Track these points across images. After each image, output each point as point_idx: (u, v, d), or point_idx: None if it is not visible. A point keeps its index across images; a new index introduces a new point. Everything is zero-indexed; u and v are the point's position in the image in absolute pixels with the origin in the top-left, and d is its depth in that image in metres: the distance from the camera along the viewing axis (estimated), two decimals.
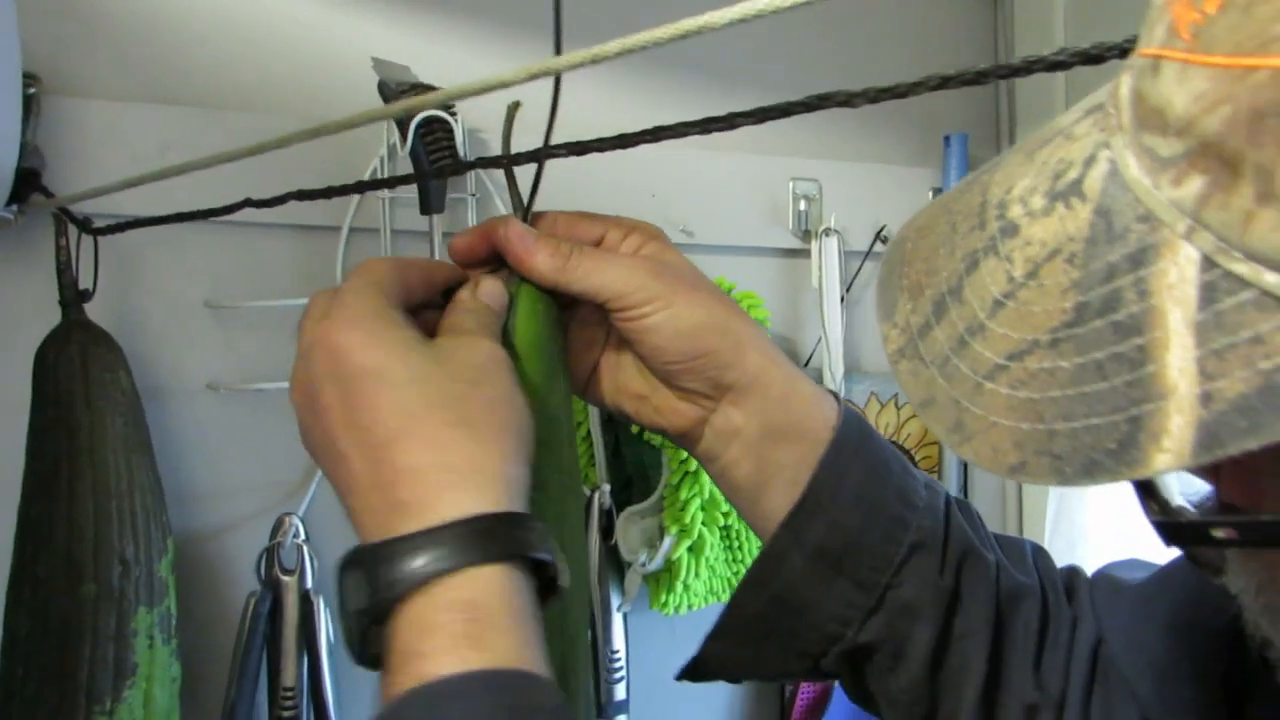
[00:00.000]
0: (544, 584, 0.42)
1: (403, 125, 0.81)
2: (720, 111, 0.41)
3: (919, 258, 0.34)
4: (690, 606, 0.89)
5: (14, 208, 0.74)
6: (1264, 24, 0.23)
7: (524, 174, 0.52)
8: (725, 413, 0.50)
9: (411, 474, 0.40)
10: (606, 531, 0.88)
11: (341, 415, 0.42)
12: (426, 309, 0.49)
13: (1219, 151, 0.25)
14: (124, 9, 0.81)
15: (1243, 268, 0.24)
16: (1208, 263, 0.25)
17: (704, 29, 0.37)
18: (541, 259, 0.48)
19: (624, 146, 0.41)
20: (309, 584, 0.82)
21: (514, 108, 0.50)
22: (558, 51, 0.39)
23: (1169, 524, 0.30)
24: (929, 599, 0.49)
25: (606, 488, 0.87)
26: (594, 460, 0.89)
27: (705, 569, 0.87)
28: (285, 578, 0.81)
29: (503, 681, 0.36)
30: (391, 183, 0.55)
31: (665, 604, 0.88)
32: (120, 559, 0.64)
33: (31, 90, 0.75)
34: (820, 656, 0.51)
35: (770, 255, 1.05)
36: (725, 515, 0.88)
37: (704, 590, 0.89)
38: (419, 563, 0.38)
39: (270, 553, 0.81)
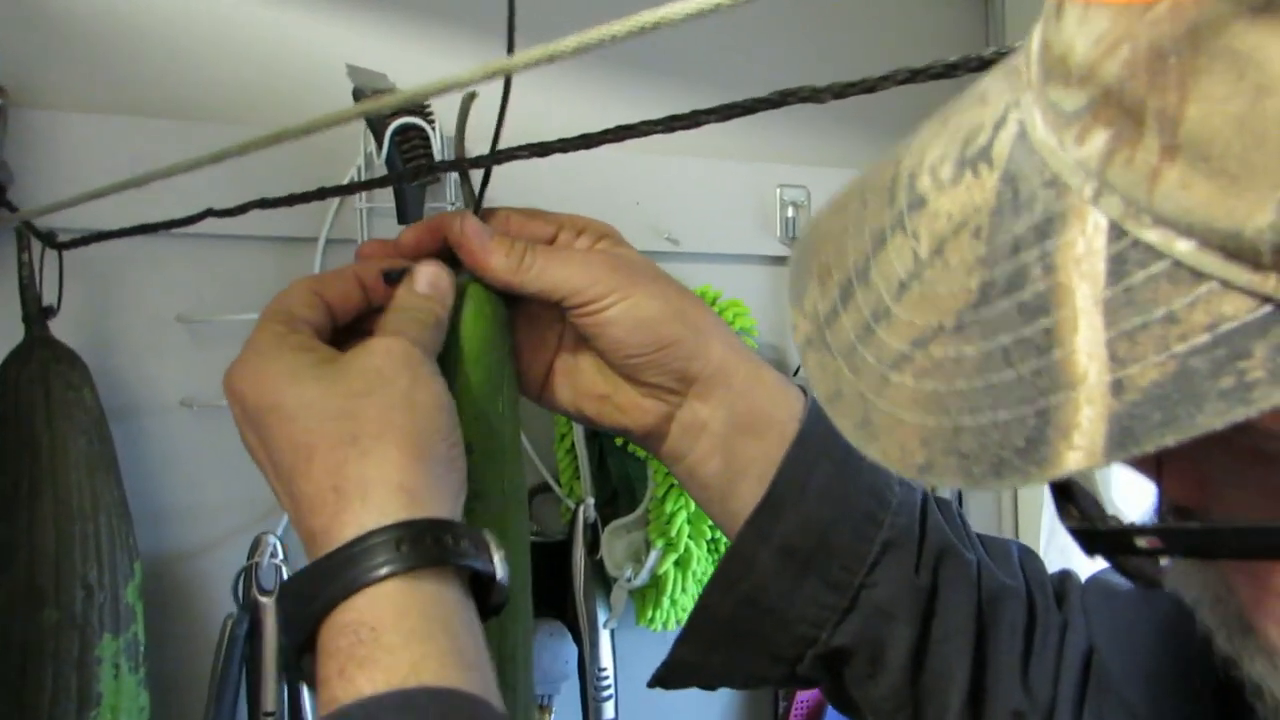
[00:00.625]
0: (486, 585, 0.42)
1: (379, 134, 0.80)
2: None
3: (830, 237, 0.31)
4: (678, 622, 0.87)
5: None
6: None
7: (506, 176, 0.51)
8: (691, 407, 0.49)
9: (311, 502, 0.41)
10: (592, 546, 0.86)
11: (263, 455, 0.44)
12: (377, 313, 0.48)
13: (1120, 99, 0.22)
14: (93, 19, 0.79)
15: (1152, 234, 0.21)
16: (1116, 230, 0.22)
17: (661, 22, 0.36)
18: (497, 259, 0.47)
19: (587, 147, 0.40)
20: None
21: (469, 99, 0.49)
22: (510, 50, 0.37)
23: (1086, 531, 0.28)
24: (905, 599, 0.48)
25: (591, 501, 0.85)
26: (579, 474, 0.87)
27: (692, 583, 0.85)
28: (263, 599, 0.79)
29: (411, 701, 0.36)
30: (357, 188, 0.53)
31: (652, 620, 0.86)
32: (83, 584, 0.62)
33: None
34: (796, 661, 0.49)
35: (757, 263, 1.03)
36: (711, 529, 0.86)
37: (691, 604, 0.87)
38: (315, 593, 0.39)
39: (248, 573, 0.79)
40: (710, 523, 0.85)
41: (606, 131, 0.39)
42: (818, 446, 0.47)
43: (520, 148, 0.42)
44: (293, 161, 0.70)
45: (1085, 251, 0.23)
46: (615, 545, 0.85)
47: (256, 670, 0.79)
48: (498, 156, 0.43)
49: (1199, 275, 0.21)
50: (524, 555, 0.51)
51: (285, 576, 0.79)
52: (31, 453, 0.63)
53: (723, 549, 0.89)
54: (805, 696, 1.01)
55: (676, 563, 0.83)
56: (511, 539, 0.49)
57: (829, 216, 0.33)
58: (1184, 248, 0.21)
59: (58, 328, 0.70)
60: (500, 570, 0.41)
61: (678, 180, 0.96)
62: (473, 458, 0.48)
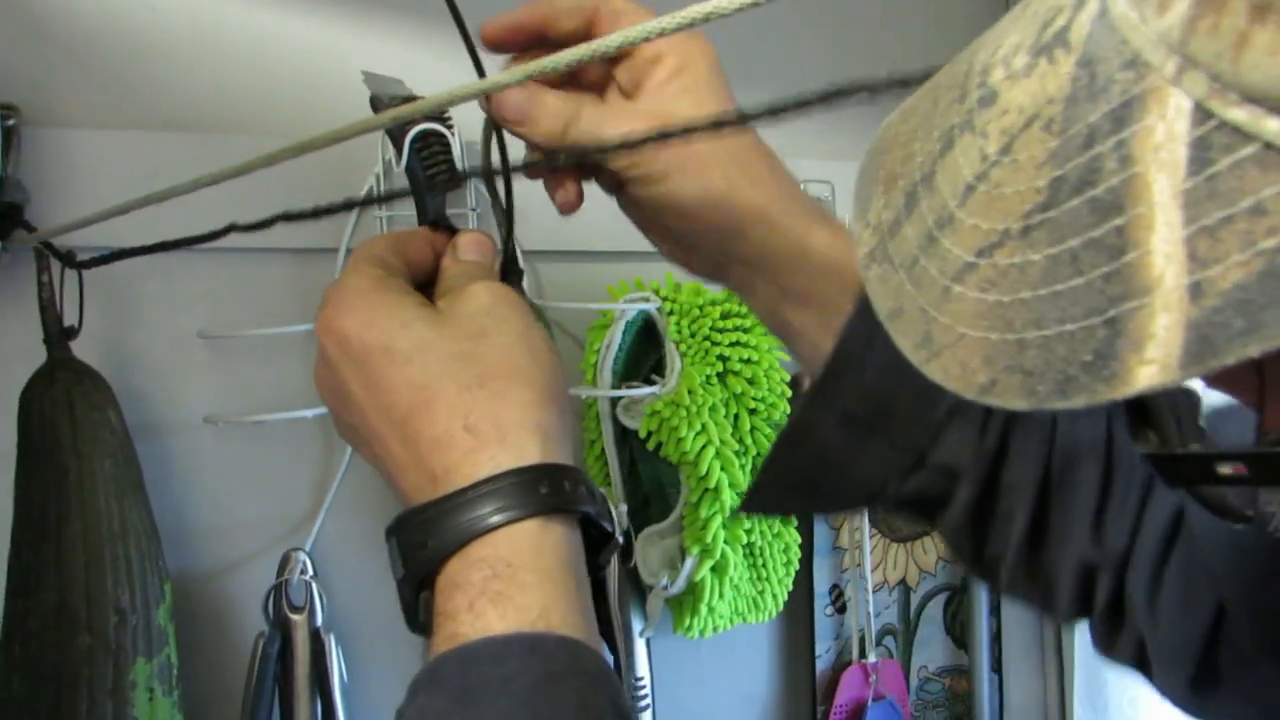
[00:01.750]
0: (599, 535, 0.42)
1: (398, 141, 0.78)
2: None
3: (898, 143, 0.29)
4: (715, 629, 0.86)
5: None
6: None
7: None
8: (737, 271, 0.50)
9: (438, 443, 0.40)
10: (625, 553, 0.84)
11: (367, 398, 0.42)
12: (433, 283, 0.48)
13: None
14: (104, 35, 0.78)
15: (1240, 113, 0.19)
16: (1200, 113, 0.20)
17: (711, 16, 0.34)
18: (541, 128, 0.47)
19: (629, 147, 0.38)
20: (319, 621, 0.78)
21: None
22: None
23: (1165, 457, 0.25)
24: (969, 461, 0.47)
25: (624, 508, 0.84)
26: (609, 479, 0.86)
27: (729, 589, 0.84)
28: (294, 616, 0.78)
29: (540, 645, 0.35)
30: (383, 199, 0.52)
31: (690, 628, 0.84)
32: (115, 608, 0.60)
33: (10, 122, 0.72)
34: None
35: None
36: (748, 533, 0.85)
37: (729, 611, 0.85)
38: (447, 527, 0.38)
39: (277, 590, 0.78)
40: (745, 526, 0.84)
41: (648, 136, 0.38)
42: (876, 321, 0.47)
43: (554, 154, 0.40)
44: (310, 170, 0.69)
45: (1165, 138, 0.20)
46: (650, 552, 0.83)
47: (289, 687, 0.78)
48: (550, 158, 0.42)
49: None
50: None
51: (316, 593, 0.78)
52: (58, 477, 0.62)
53: (759, 553, 0.87)
54: (844, 701, 1.00)
55: (713, 569, 0.81)
56: None
57: (898, 121, 0.30)
58: (1276, 126, 0.19)
59: (77, 347, 0.69)
60: (617, 528, 0.41)
61: None
62: None
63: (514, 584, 0.37)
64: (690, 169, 0.46)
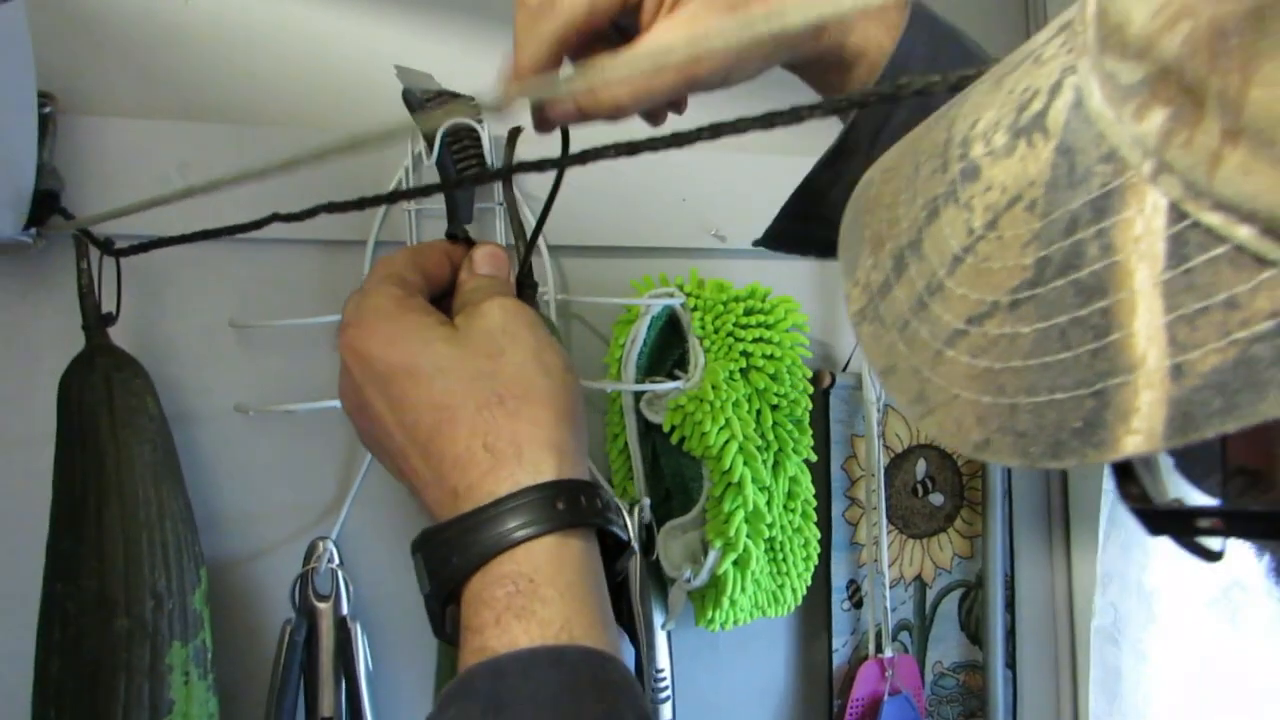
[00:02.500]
0: (616, 546, 0.43)
1: (429, 135, 0.79)
2: (743, 111, 0.39)
3: (882, 204, 0.31)
4: (736, 622, 0.86)
5: (33, 231, 0.72)
6: None
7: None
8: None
9: (459, 461, 0.42)
10: (647, 547, 0.85)
11: (391, 416, 0.44)
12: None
13: (1180, 78, 0.21)
14: (138, 25, 0.79)
15: (1214, 218, 0.21)
16: (1176, 212, 0.21)
17: (781, 28, 0.35)
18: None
19: (678, 145, 0.39)
20: (345, 609, 0.79)
21: (515, 133, 0.49)
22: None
23: (1147, 511, 0.27)
24: None
25: (646, 502, 0.84)
26: (632, 474, 0.87)
27: (751, 583, 0.84)
28: (320, 604, 0.79)
29: (564, 657, 0.37)
30: (423, 192, 0.53)
31: (712, 620, 0.85)
32: (153, 592, 0.61)
33: (47, 109, 0.73)
34: None
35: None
36: (769, 527, 0.85)
37: (750, 605, 0.86)
38: (470, 544, 0.40)
39: (304, 579, 0.79)
40: (767, 521, 0.84)
41: (701, 129, 0.38)
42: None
43: (608, 147, 0.41)
44: (341, 162, 0.69)
45: (1144, 231, 0.22)
46: (672, 546, 0.84)
47: (314, 675, 0.79)
48: (586, 155, 0.42)
49: (1262, 261, 0.20)
50: None
51: (342, 581, 0.79)
52: (98, 463, 0.62)
53: (779, 547, 0.88)
54: (860, 695, 1.00)
55: (735, 562, 0.82)
56: None
57: (880, 181, 0.32)
58: (1246, 233, 0.20)
59: (112, 334, 0.70)
60: (633, 538, 0.42)
61: (724, 176, 0.95)
62: None
63: (536, 599, 0.38)
64: (738, 66, 0.47)
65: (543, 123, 0.48)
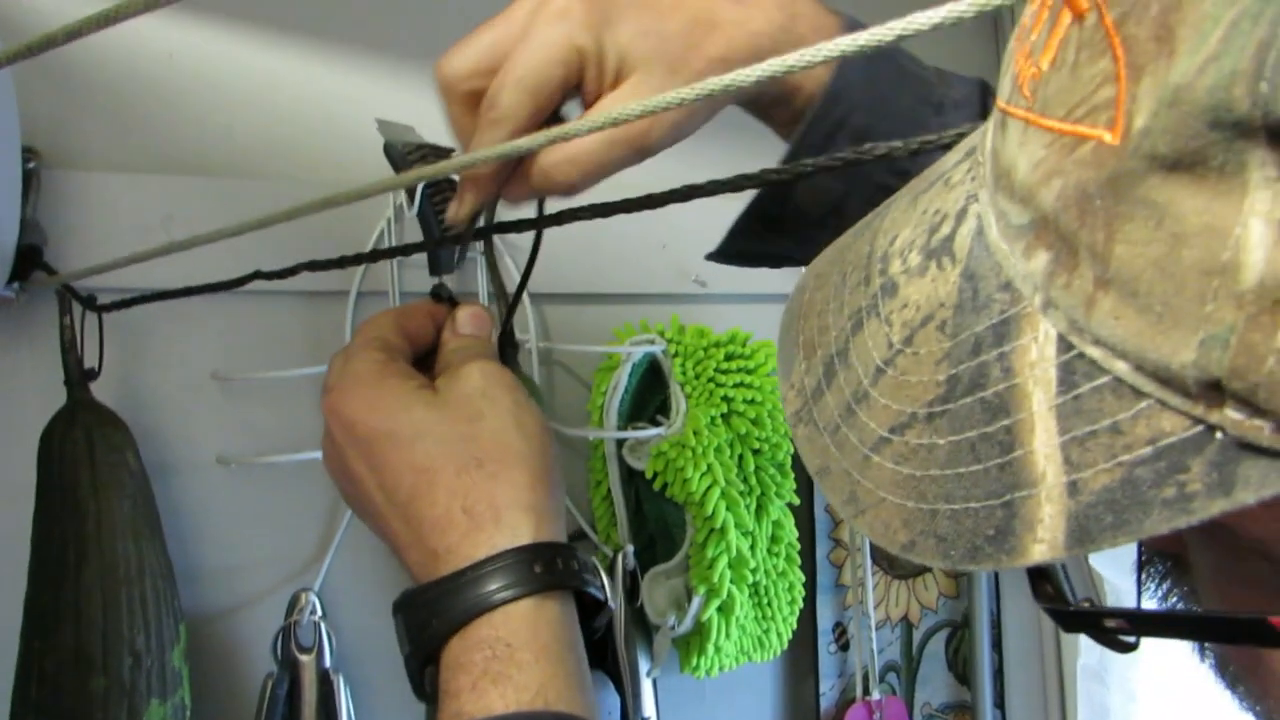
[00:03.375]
0: (594, 604, 0.44)
1: (410, 188, 0.80)
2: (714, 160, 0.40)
3: (814, 311, 0.33)
4: (722, 668, 0.86)
5: (15, 286, 0.72)
6: (1090, 87, 0.21)
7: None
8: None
9: (438, 524, 0.42)
10: (631, 594, 0.85)
11: (372, 479, 0.44)
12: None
13: (1057, 228, 0.22)
14: (122, 80, 0.80)
15: (1095, 352, 0.22)
16: (1064, 342, 0.23)
17: (729, 87, 0.36)
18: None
19: (651, 207, 0.40)
20: (327, 662, 0.79)
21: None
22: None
23: (1060, 612, 0.29)
24: None
25: (630, 549, 0.85)
26: (615, 521, 0.87)
27: (735, 628, 0.84)
28: (303, 657, 0.78)
29: None
30: (403, 251, 0.53)
31: (697, 667, 0.85)
32: (131, 650, 0.61)
33: (31, 165, 0.73)
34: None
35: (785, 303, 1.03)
36: (753, 572, 0.85)
37: (735, 650, 0.86)
38: (448, 607, 0.40)
39: (286, 631, 0.78)
40: (751, 566, 0.84)
41: (674, 191, 0.39)
42: (842, 109, 0.48)
43: (584, 208, 0.42)
44: (323, 214, 0.70)
45: (1038, 358, 0.23)
46: (656, 592, 0.84)
47: None
48: (563, 216, 0.43)
49: (1139, 393, 0.21)
50: None
51: (325, 633, 0.79)
52: (78, 519, 0.62)
53: (764, 592, 0.88)
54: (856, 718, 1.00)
55: (720, 609, 0.82)
56: None
57: (813, 288, 0.34)
58: (1123, 368, 0.21)
59: (95, 390, 0.70)
60: (610, 597, 0.43)
61: (704, 222, 0.96)
62: None
63: (513, 664, 0.39)
64: (687, 123, 0.47)
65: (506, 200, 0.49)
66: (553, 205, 0.52)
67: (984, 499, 0.24)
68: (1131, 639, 0.28)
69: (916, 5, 0.27)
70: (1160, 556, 0.31)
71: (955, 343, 0.26)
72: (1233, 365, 0.19)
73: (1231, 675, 0.30)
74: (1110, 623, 0.27)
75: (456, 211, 0.48)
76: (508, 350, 0.53)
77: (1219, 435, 0.20)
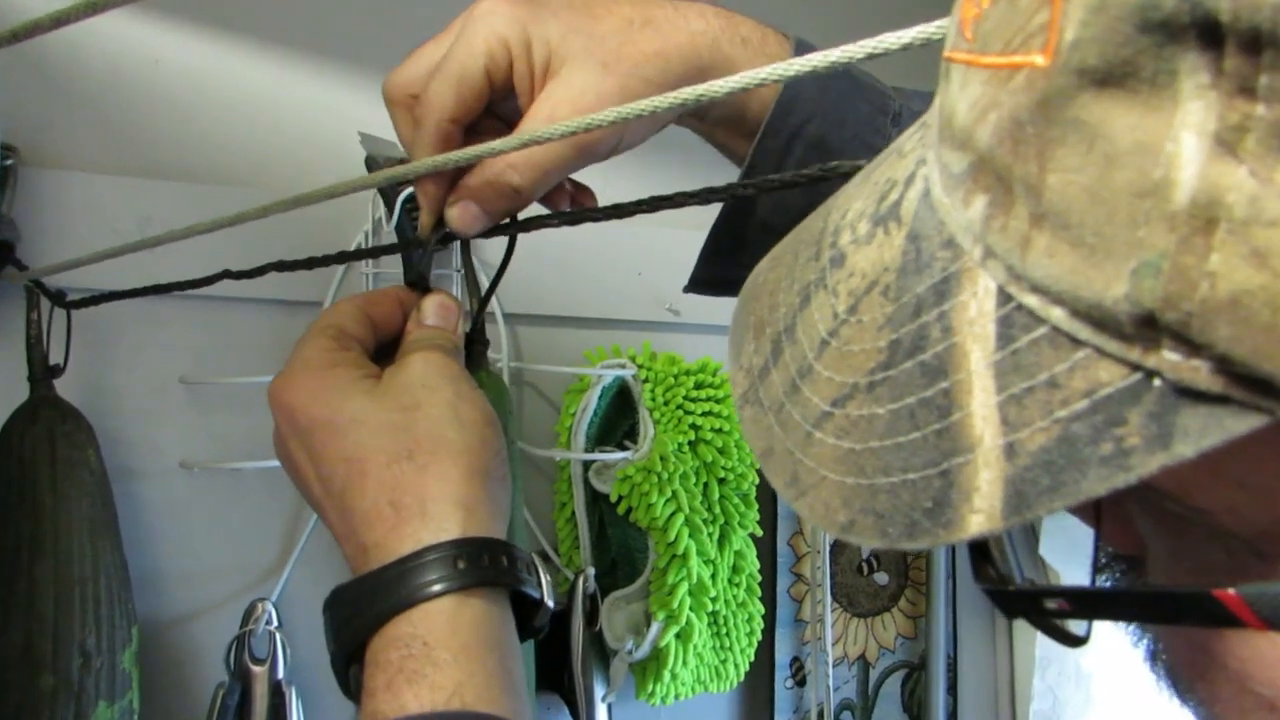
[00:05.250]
0: (529, 608, 0.43)
1: (389, 201, 0.80)
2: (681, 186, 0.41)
3: (766, 291, 0.32)
4: (678, 696, 0.86)
5: None
6: (1027, 14, 0.21)
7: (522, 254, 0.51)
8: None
9: (365, 516, 0.41)
10: (591, 617, 0.85)
11: (311, 469, 0.44)
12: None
13: (993, 166, 0.22)
14: (105, 81, 0.80)
15: (1032, 300, 0.21)
16: (1003, 295, 0.22)
17: (704, 95, 0.36)
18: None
19: (619, 216, 0.40)
20: (280, 674, 0.78)
21: None
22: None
23: (998, 593, 0.27)
24: None
25: (591, 571, 0.84)
26: (578, 543, 0.87)
27: (693, 656, 0.84)
28: (255, 668, 0.78)
29: None
30: (373, 253, 0.54)
31: (653, 694, 0.84)
32: (81, 650, 0.60)
33: (9, 162, 0.73)
34: None
35: None
36: (713, 601, 0.86)
37: (691, 679, 0.86)
38: (369, 605, 0.39)
39: (240, 640, 0.78)
40: (711, 594, 0.84)
41: (641, 202, 0.40)
42: (796, 119, 0.47)
43: (549, 215, 0.42)
44: (301, 225, 0.70)
45: (977, 314, 0.23)
46: (615, 617, 0.84)
47: None
48: (523, 224, 0.43)
49: (1076, 341, 0.21)
50: (529, 648, 0.51)
51: (279, 643, 0.78)
52: (34, 515, 0.62)
53: (723, 622, 0.88)
54: None
55: (678, 635, 0.82)
56: None
57: (767, 270, 0.33)
58: (1059, 314, 0.21)
59: (58, 387, 0.69)
60: (548, 596, 0.42)
61: (679, 251, 0.96)
62: None
63: (429, 662, 0.38)
64: (631, 129, 0.47)
65: (465, 226, 0.47)
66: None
67: (921, 468, 0.23)
68: (1080, 630, 0.27)
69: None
70: (1118, 560, 0.30)
71: (898, 306, 0.25)
72: (1165, 294, 0.19)
73: (1184, 684, 0.28)
74: (1051, 603, 0.25)
75: (422, 222, 0.48)
76: (476, 347, 0.53)
77: (1157, 382, 0.20)
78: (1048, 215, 0.20)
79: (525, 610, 0.43)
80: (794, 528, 1.02)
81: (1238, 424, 0.19)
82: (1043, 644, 0.95)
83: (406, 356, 0.45)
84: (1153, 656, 0.30)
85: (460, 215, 0.46)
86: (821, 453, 0.26)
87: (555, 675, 0.85)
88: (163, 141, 0.82)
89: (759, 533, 0.91)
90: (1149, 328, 0.19)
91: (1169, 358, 0.19)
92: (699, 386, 0.88)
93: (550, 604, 0.42)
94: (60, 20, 0.35)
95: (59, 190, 0.76)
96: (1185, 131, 0.18)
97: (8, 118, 0.71)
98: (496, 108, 0.47)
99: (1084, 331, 0.20)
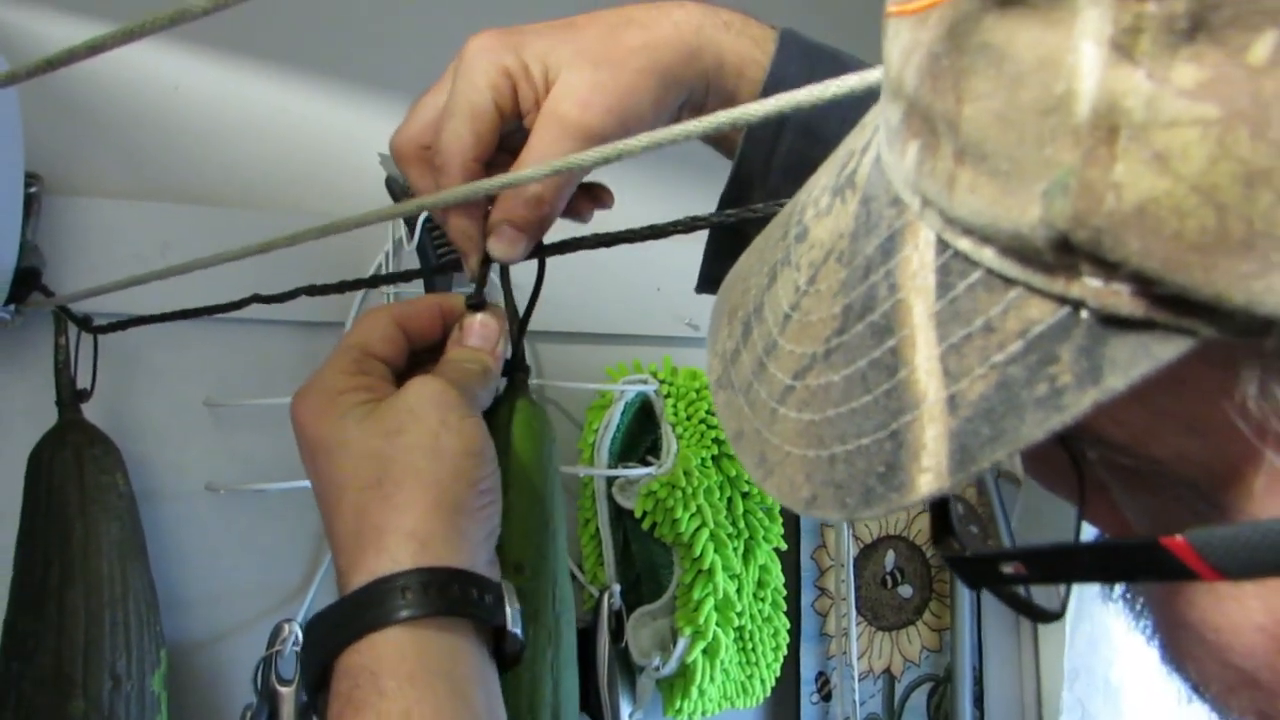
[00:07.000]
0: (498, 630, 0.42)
1: (410, 221, 0.81)
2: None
3: (740, 278, 0.31)
4: (704, 712, 0.85)
5: (11, 308, 0.72)
6: None
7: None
8: None
9: (339, 542, 0.42)
10: (616, 634, 0.85)
11: (315, 487, 0.45)
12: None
13: (920, 109, 0.22)
14: (126, 108, 0.81)
15: (965, 243, 0.21)
16: (940, 243, 0.22)
17: (736, 121, 0.36)
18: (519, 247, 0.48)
19: (655, 237, 0.40)
20: (307, 695, 0.78)
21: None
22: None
23: (956, 560, 0.26)
24: None
25: (617, 588, 0.84)
26: (602, 560, 0.86)
27: (720, 672, 0.84)
28: (283, 689, 0.77)
29: None
30: (403, 277, 0.54)
31: (680, 710, 0.84)
32: (111, 673, 0.60)
33: (33, 189, 0.74)
34: None
35: None
36: (739, 615, 0.85)
37: (718, 695, 0.86)
38: (325, 636, 0.40)
39: (267, 662, 0.77)
40: (737, 609, 0.84)
41: (677, 222, 0.40)
42: (770, 129, 0.47)
43: (586, 238, 0.42)
44: (321, 246, 0.70)
45: (919, 267, 0.22)
46: (641, 633, 0.84)
47: None
48: (559, 247, 0.43)
49: (1008, 281, 0.20)
50: (573, 672, 0.51)
51: None
52: (63, 539, 0.62)
53: (749, 637, 0.88)
54: None
55: (705, 651, 0.82)
56: (562, 658, 0.49)
57: (745, 257, 0.33)
58: (989, 254, 0.21)
59: (86, 413, 0.70)
60: (511, 620, 0.42)
61: (697, 266, 0.97)
62: (522, 577, 0.48)
63: (375, 692, 0.38)
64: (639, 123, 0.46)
65: (508, 253, 0.48)
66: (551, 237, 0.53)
67: (873, 432, 0.22)
68: (1057, 603, 0.26)
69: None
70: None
71: (850, 270, 0.25)
72: (1074, 211, 0.18)
73: (1178, 665, 0.27)
74: (1006, 567, 0.24)
75: (470, 267, 0.48)
76: (517, 375, 0.53)
77: (1084, 315, 0.19)
78: (967, 149, 0.20)
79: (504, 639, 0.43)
80: (817, 541, 1.02)
81: (1164, 349, 0.18)
82: (1072, 655, 0.94)
83: (409, 382, 0.45)
84: (1127, 599, 0.29)
85: (499, 242, 0.46)
86: (785, 428, 0.25)
87: (582, 693, 0.85)
88: (182, 166, 0.82)
89: (783, 546, 0.91)
90: (1066, 252, 0.19)
91: (1090, 284, 0.19)
92: None
93: (516, 632, 0.42)
94: (95, 48, 0.36)
95: (81, 216, 0.77)
96: (1084, 41, 0.18)
97: (31, 146, 0.71)
98: (505, 141, 0.47)
99: (1013, 269, 0.20)
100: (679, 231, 0.40)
